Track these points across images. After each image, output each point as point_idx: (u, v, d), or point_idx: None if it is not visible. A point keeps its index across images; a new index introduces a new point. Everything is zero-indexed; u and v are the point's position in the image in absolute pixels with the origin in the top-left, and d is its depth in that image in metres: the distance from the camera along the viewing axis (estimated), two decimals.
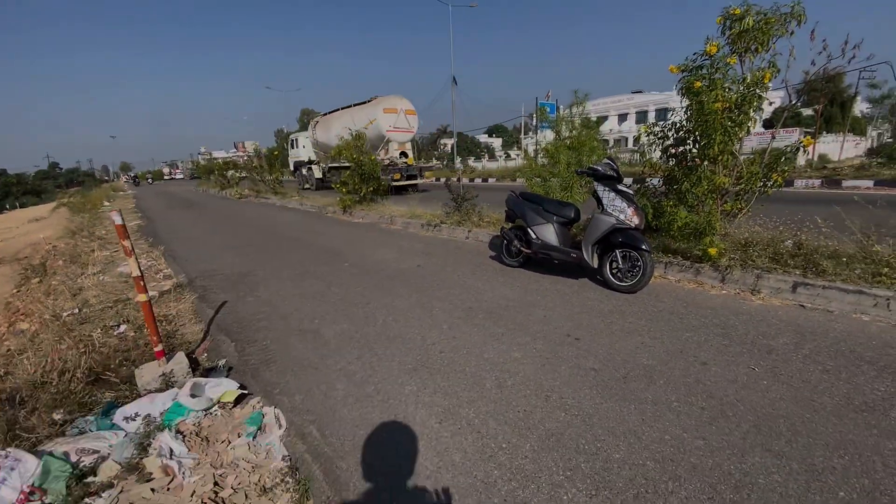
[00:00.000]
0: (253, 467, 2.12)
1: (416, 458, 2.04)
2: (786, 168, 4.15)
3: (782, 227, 4.47)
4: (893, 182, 11.68)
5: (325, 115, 19.74)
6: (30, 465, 2.04)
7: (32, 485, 1.98)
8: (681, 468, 1.87)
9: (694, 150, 4.39)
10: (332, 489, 1.92)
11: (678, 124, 4.50)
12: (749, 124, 4.04)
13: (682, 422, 2.17)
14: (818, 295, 3.54)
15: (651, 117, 41.20)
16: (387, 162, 14.60)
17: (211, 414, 2.55)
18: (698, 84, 4.02)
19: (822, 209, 4.75)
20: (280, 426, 2.40)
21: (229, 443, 2.30)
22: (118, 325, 3.96)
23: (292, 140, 23.06)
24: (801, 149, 4.22)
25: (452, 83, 23.33)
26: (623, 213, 4.10)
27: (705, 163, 4.25)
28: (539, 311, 3.72)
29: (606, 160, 4.36)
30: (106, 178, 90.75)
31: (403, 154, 16.53)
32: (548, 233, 4.59)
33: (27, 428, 2.41)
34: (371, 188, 10.99)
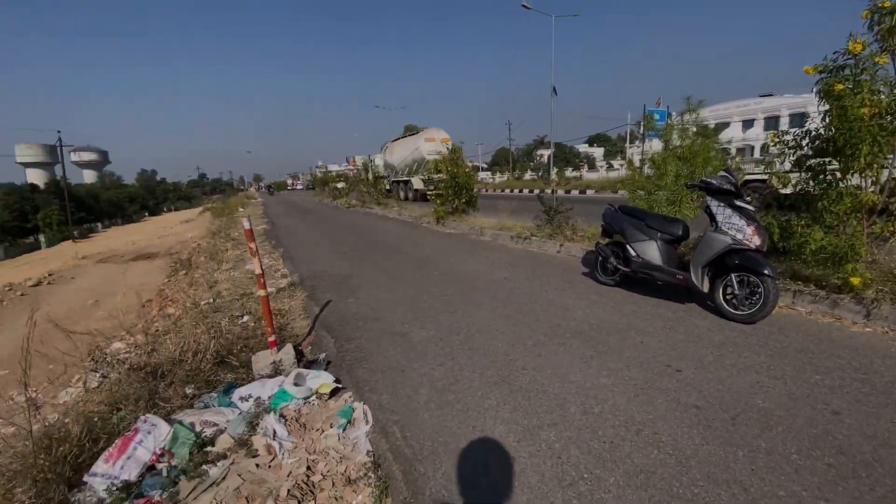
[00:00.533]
0: (341, 458, 2.28)
1: (492, 474, 2.03)
2: None
3: None
4: None
5: (392, 141, 24.75)
6: (163, 430, 2.43)
7: (163, 448, 2.36)
8: None
9: (834, 162, 3.76)
10: (408, 490, 1.98)
11: (814, 132, 3.90)
12: None
13: (802, 478, 1.85)
14: None
15: (783, 124, 35.96)
16: (426, 176, 19.37)
17: (309, 402, 2.81)
18: (840, 87, 3.44)
19: None
20: (367, 422, 2.56)
21: (322, 431, 2.51)
22: (242, 316, 4.57)
23: (372, 159, 28.07)
24: None
25: (552, 93, 22.87)
26: (741, 231, 3.64)
27: (848, 176, 3.62)
28: (635, 336, 3.45)
29: (723, 172, 3.92)
30: (241, 187, 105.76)
31: (438, 170, 19.77)
32: (650, 250, 4.24)
33: (164, 398, 2.88)
34: (464, 200, 11.23)
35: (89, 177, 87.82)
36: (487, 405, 2.58)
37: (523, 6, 24.75)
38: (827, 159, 3.86)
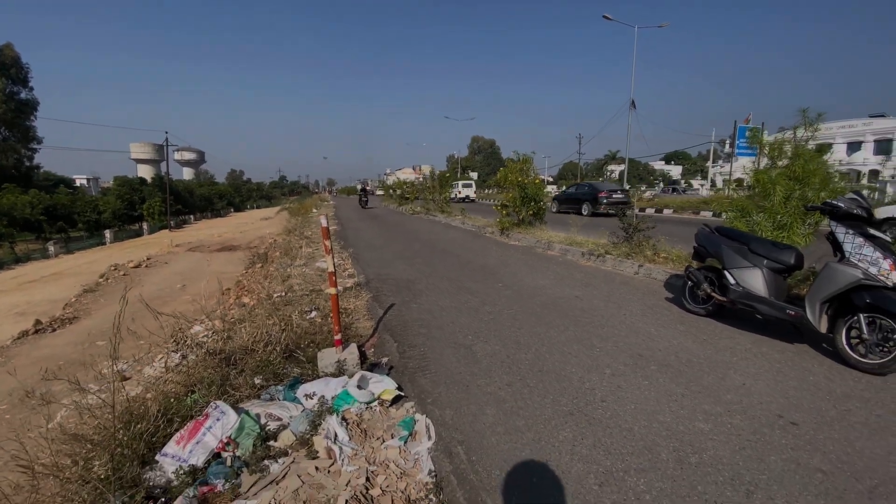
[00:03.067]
0: (402, 473, 2.14)
1: None
2: None
3: None
4: None
5: (392, 172, 43.83)
6: (231, 419, 2.44)
7: (229, 437, 2.36)
8: None
9: None
10: None
11: None
12: None
13: None
14: None
15: None
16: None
17: (370, 408, 2.72)
18: None
19: None
20: (430, 437, 2.40)
21: (383, 441, 2.40)
22: (311, 311, 4.65)
23: (384, 180, 46.36)
24: None
25: (630, 107, 21.85)
26: (875, 265, 3.06)
27: None
28: (735, 377, 3.00)
29: (852, 195, 3.35)
30: (316, 190, 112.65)
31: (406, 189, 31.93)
32: (754, 279, 3.70)
33: (234, 385, 2.93)
34: (531, 211, 10.89)
35: (188, 174, 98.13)
36: (563, 437, 2.32)
37: (605, 17, 24.03)
38: None
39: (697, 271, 4.28)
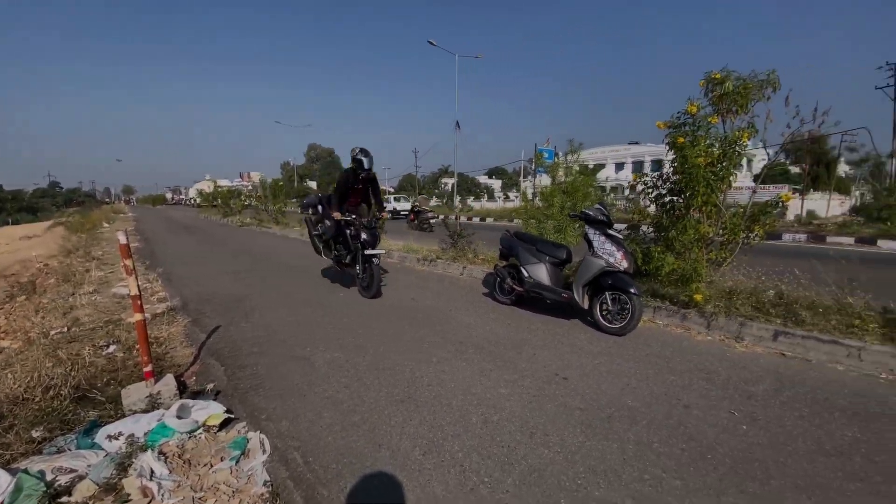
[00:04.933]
0: (234, 492, 2.10)
1: (399, 490, 2.05)
2: (767, 221, 4.36)
3: (765, 277, 4.62)
4: (872, 239, 12.11)
5: (212, 178, 49.82)
6: (2, 481, 2.01)
7: (2, 502, 1.95)
8: None
9: (680, 201, 4.61)
10: None
11: (665, 175, 4.75)
12: (731, 178, 4.28)
13: (662, 462, 2.20)
14: (798, 344, 3.64)
15: (647, 167, 42.92)
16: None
17: (195, 437, 2.54)
18: (682, 140, 4.29)
19: (804, 262, 4.92)
20: (264, 451, 2.40)
21: (211, 466, 2.29)
22: (108, 345, 3.95)
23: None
24: (780, 203, 4.46)
25: (456, 127, 24.30)
26: (612, 256, 4.25)
27: (691, 212, 4.46)
28: (529, 350, 3.77)
29: (598, 205, 4.56)
30: (107, 200, 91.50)
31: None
32: (540, 272, 4.71)
33: (3, 444, 2.38)
34: None
35: None
36: (394, 422, 2.60)
37: (429, 42, 26.15)
38: (676, 198, 4.71)
39: (503, 268, 5.20)
